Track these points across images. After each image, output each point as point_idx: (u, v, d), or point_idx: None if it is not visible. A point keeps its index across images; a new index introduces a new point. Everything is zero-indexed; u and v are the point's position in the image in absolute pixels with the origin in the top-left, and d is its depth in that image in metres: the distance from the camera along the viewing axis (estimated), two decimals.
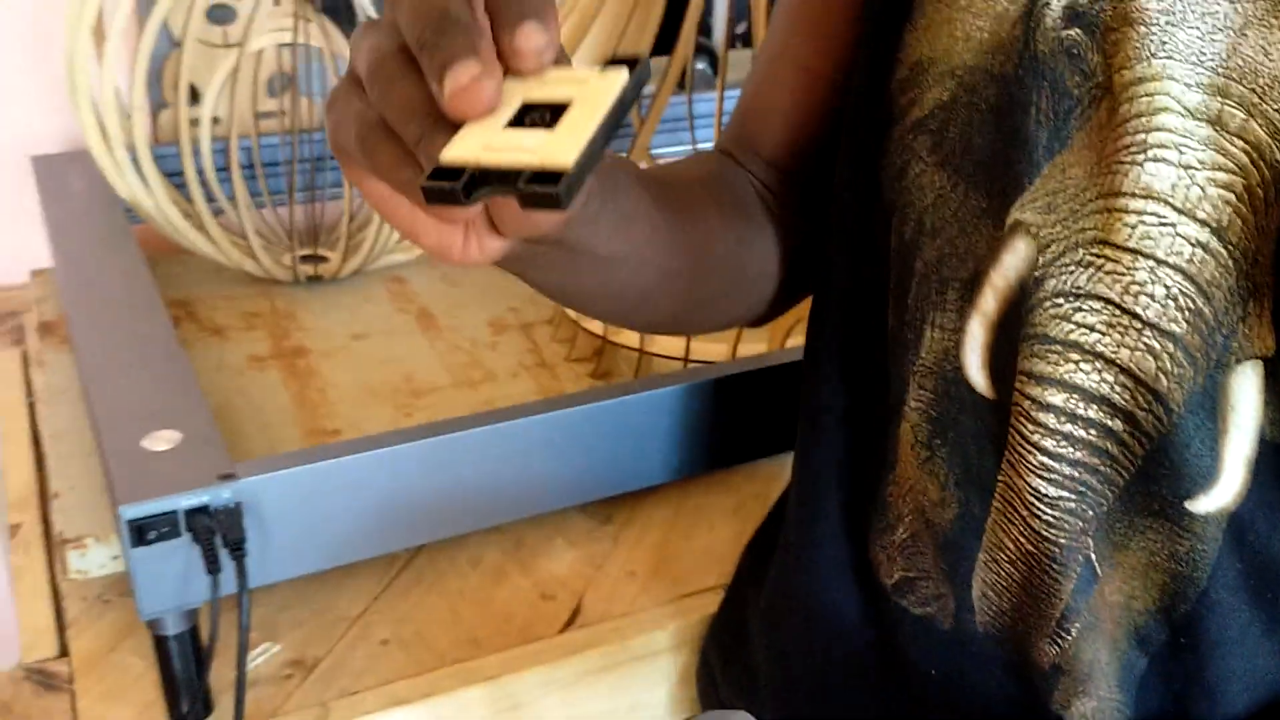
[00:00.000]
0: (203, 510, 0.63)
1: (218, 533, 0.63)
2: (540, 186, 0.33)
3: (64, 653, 0.75)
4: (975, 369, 0.51)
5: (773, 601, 0.68)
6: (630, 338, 0.92)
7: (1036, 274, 0.48)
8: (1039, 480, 0.50)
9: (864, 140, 0.56)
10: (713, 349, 0.91)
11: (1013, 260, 0.49)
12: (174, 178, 1.07)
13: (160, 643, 0.67)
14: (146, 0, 1.01)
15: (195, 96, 1.14)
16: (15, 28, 1.10)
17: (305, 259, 1.08)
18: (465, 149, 0.34)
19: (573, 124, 0.34)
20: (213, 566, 0.63)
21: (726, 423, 0.82)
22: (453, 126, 0.36)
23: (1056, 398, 0.48)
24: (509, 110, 0.36)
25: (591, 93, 0.36)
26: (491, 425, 0.72)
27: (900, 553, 0.57)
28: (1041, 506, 0.50)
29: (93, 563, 0.74)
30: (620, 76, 0.36)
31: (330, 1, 1.10)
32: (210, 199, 1.02)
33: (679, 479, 0.84)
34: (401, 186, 0.38)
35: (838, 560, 0.61)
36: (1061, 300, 0.48)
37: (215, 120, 1.14)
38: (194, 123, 1.07)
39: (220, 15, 1.19)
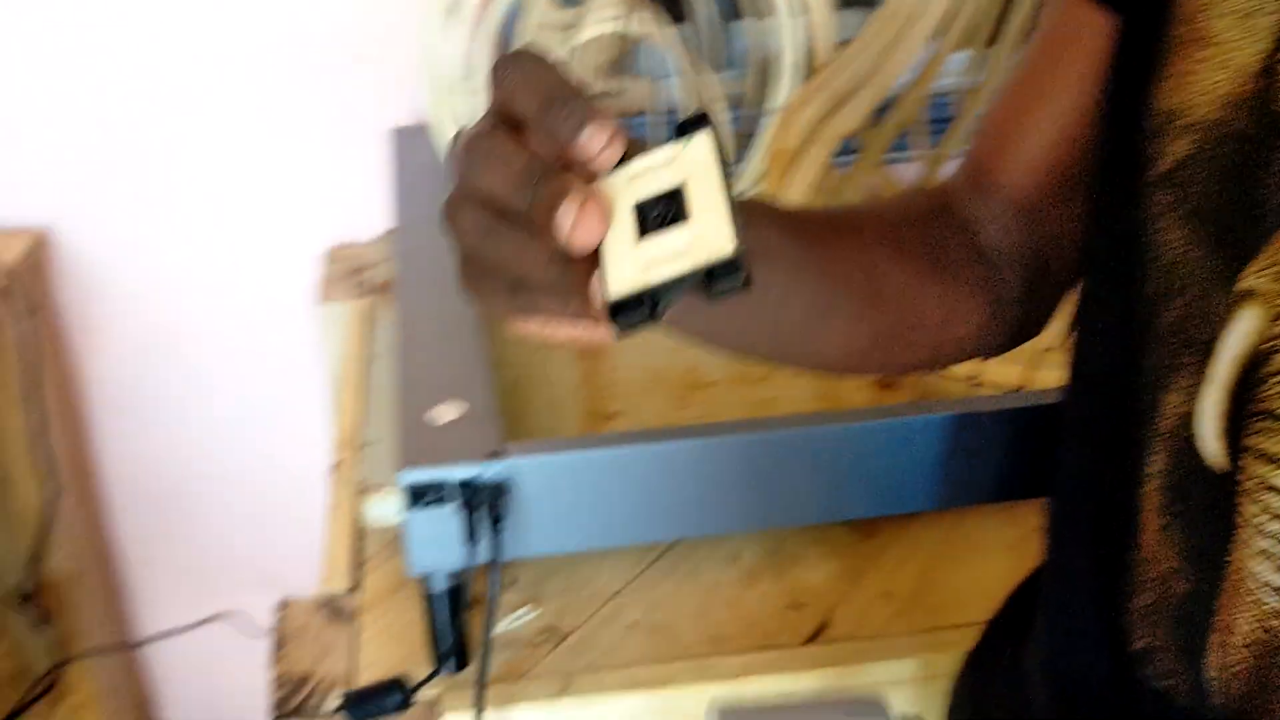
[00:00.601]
0: (471, 483, 0.68)
1: (482, 505, 0.68)
2: (724, 281, 0.35)
3: (355, 588, 0.83)
4: (1209, 439, 0.48)
5: (1024, 657, 0.65)
6: None
7: (1264, 346, 0.44)
8: (1264, 565, 0.46)
9: (1110, 190, 0.53)
10: (1006, 371, 0.87)
11: (1243, 329, 0.45)
12: None
13: (427, 597, 0.73)
14: None
15: None
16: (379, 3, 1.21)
17: None
18: (626, 278, 0.36)
19: (702, 205, 0.36)
20: (472, 537, 0.68)
21: (1012, 454, 0.79)
22: (587, 261, 0.38)
23: None
24: (626, 218, 0.37)
25: (691, 166, 0.37)
26: (758, 434, 0.73)
27: (1142, 621, 0.54)
28: (1267, 594, 0.46)
29: (386, 512, 0.81)
30: (706, 140, 0.37)
31: None
32: None
33: (954, 508, 0.81)
34: (568, 320, 0.40)
35: (1088, 622, 0.59)
36: None
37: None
38: None
39: None
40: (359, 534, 0.87)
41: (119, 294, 1.32)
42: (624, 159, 0.39)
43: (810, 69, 1.10)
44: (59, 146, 1.25)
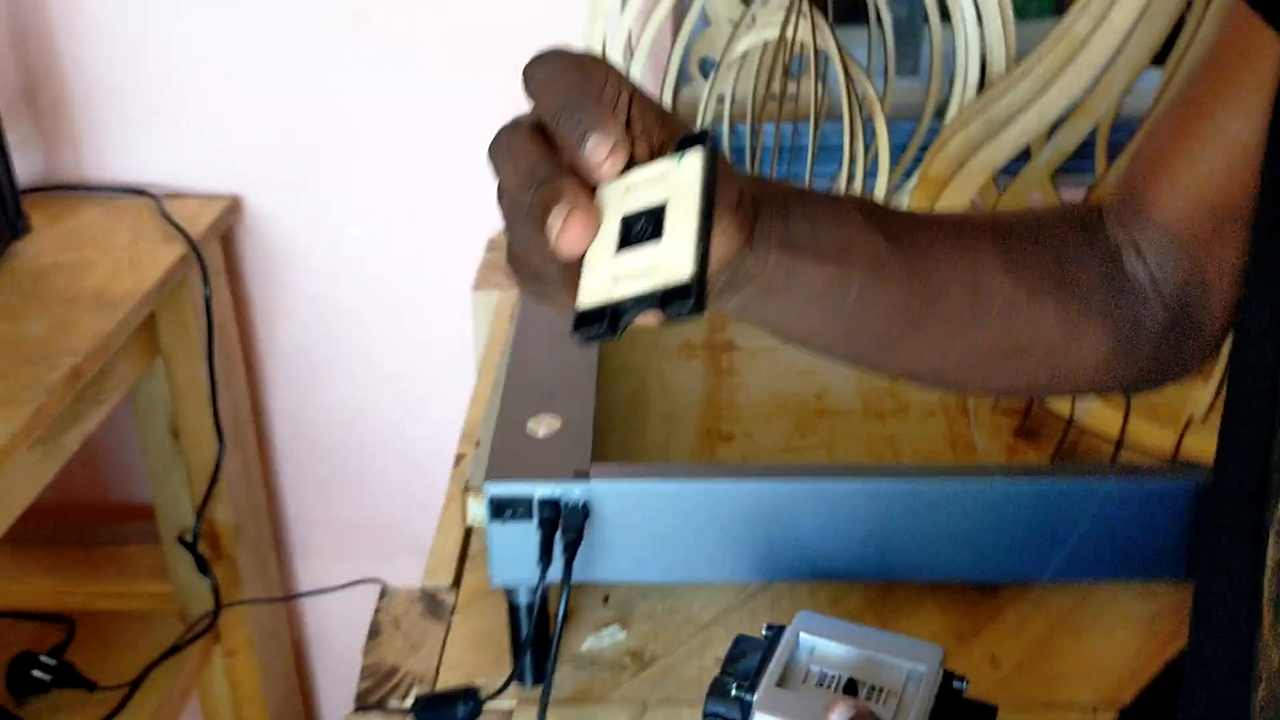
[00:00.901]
0: (553, 503, 0.67)
1: (559, 527, 0.67)
2: (676, 305, 0.36)
3: (456, 583, 0.84)
4: None
5: None
6: (1062, 405, 0.83)
7: None
8: None
9: (1270, 232, 0.47)
10: (1157, 434, 0.80)
11: None
12: None
13: (511, 608, 0.73)
14: None
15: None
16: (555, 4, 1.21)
17: None
18: (595, 289, 0.38)
19: (675, 227, 0.37)
20: (545, 557, 0.67)
21: (1156, 531, 0.72)
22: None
23: None
24: (614, 228, 0.39)
25: (678, 186, 0.38)
26: (864, 482, 0.70)
27: (1260, 714, 0.49)
28: None
29: (481, 516, 0.82)
30: (697, 162, 0.39)
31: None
32: None
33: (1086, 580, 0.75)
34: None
35: (1220, 715, 0.54)
36: None
37: (722, 99, 1.18)
38: (719, 100, 1.12)
39: None
40: (467, 530, 0.88)
41: (298, 263, 1.37)
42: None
43: (984, 82, 1.04)
44: (256, 121, 1.31)
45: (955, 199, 0.80)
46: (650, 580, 0.73)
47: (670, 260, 0.37)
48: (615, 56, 1.03)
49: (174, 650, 1.34)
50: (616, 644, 0.78)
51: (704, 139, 0.39)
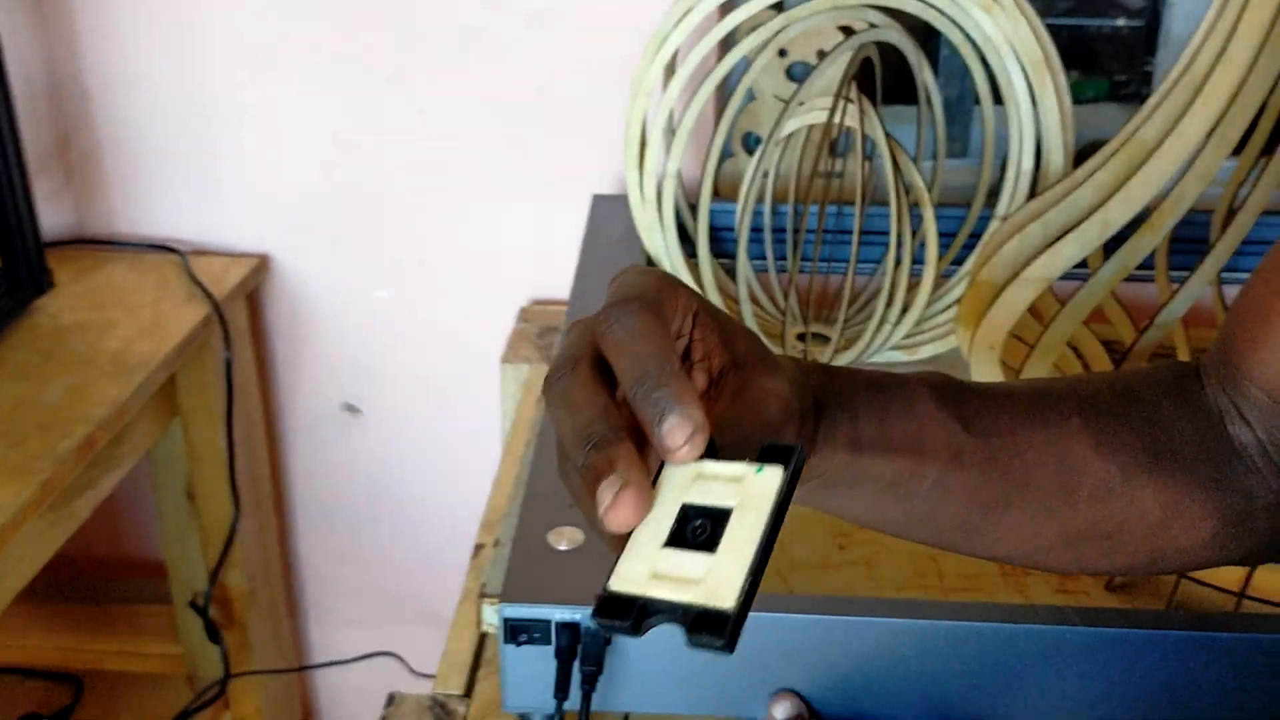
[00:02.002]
0: (572, 628, 0.63)
1: (578, 655, 0.63)
2: (706, 633, 0.33)
3: (468, 692, 0.80)
4: None
5: None
6: None
7: None
8: None
9: None
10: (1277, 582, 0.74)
11: None
12: (724, 232, 1.09)
13: None
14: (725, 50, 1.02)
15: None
16: (611, 64, 1.18)
17: (811, 336, 1.05)
18: (632, 577, 0.35)
19: (734, 544, 0.34)
20: (562, 689, 0.63)
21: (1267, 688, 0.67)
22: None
23: None
24: (670, 514, 0.36)
25: (750, 497, 0.36)
26: (889, 618, 0.65)
27: None
28: None
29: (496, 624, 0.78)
30: (776, 478, 0.36)
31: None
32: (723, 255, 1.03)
33: None
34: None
35: None
36: None
37: (766, 174, 1.15)
38: (763, 175, 1.09)
39: (800, 72, 1.19)
40: (481, 635, 0.84)
41: (325, 325, 1.35)
42: (710, 451, 0.38)
43: (1038, 169, 1.00)
44: (288, 181, 1.29)
45: (1009, 307, 0.76)
46: (676, 712, 0.68)
47: (717, 581, 0.34)
48: (656, 134, 1.00)
49: (181, 717, 1.30)
50: None
51: (790, 454, 0.37)
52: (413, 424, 1.38)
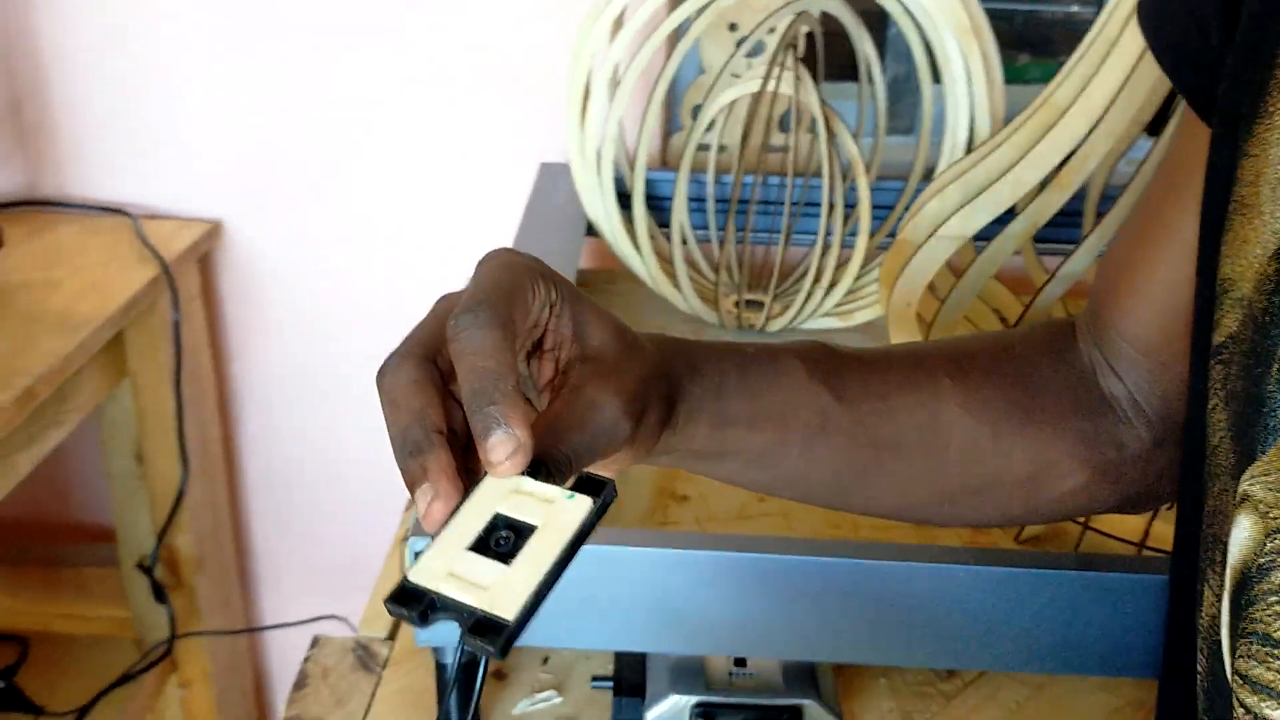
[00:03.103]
0: None
1: None
2: (481, 637, 0.35)
3: (392, 635, 0.81)
4: (1225, 650, 0.41)
5: None
6: None
7: (1261, 561, 0.38)
8: None
9: (1194, 350, 0.45)
10: (1127, 521, 0.77)
11: (1239, 538, 0.39)
12: (661, 202, 1.11)
13: (438, 666, 0.70)
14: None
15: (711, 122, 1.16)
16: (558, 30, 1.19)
17: (746, 304, 1.07)
18: (430, 572, 0.37)
19: (528, 560, 0.37)
20: None
21: (1116, 625, 0.69)
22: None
23: (1276, 713, 0.38)
24: (480, 520, 0.38)
25: (555, 521, 0.38)
26: (811, 557, 0.66)
27: None
28: None
29: None
30: (582, 509, 0.38)
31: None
32: (653, 230, 1.05)
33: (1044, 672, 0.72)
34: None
35: None
36: None
37: (721, 149, 1.16)
38: (703, 148, 1.10)
39: (756, 48, 1.20)
40: None
41: (277, 291, 1.36)
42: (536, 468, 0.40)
43: (972, 143, 1.02)
44: (240, 146, 1.29)
45: (924, 265, 0.78)
46: (592, 647, 0.70)
47: (503, 591, 0.36)
48: (600, 94, 1.01)
49: (127, 678, 1.31)
50: (551, 709, 0.75)
51: (600, 489, 0.39)
52: (365, 391, 1.38)
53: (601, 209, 1.03)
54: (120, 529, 1.34)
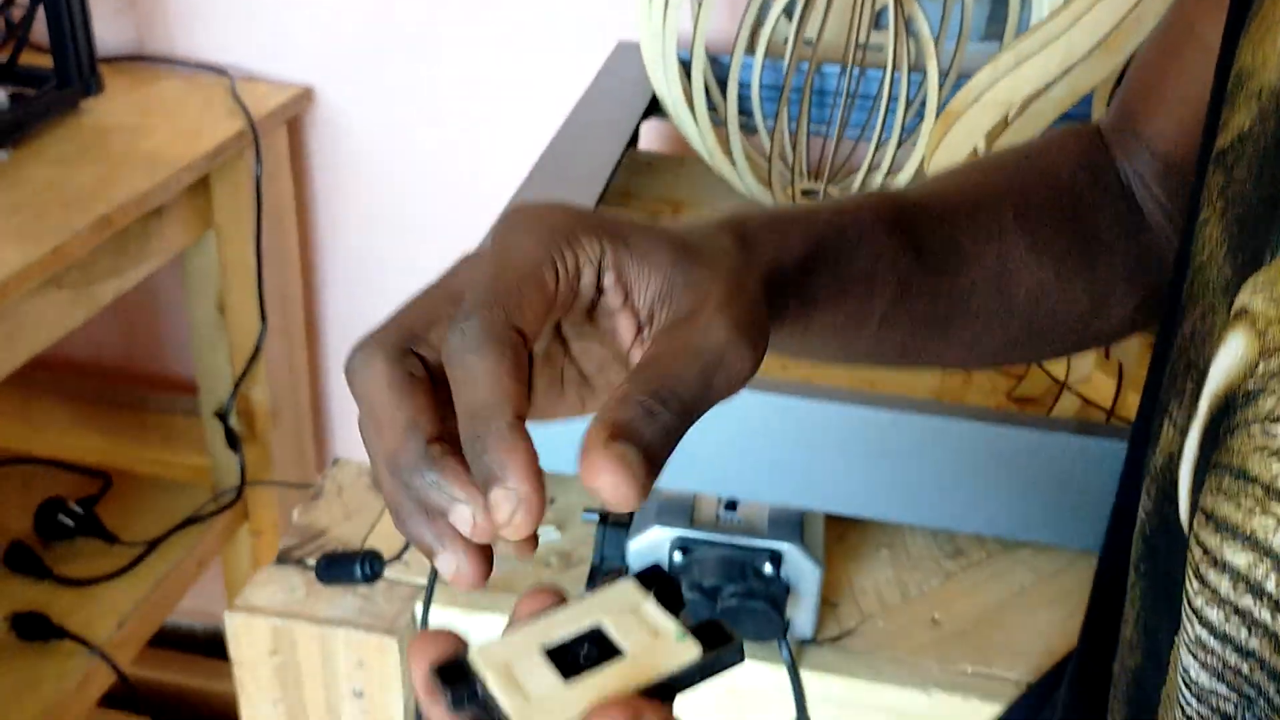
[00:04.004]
0: None
1: None
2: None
3: None
4: (1184, 489, 0.38)
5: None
6: (1058, 365, 0.78)
7: (1250, 385, 0.35)
8: (1192, 661, 0.36)
9: (1199, 160, 0.42)
10: (1100, 385, 0.74)
11: (1227, 359, 0.35)
12: (741, 89, 1.09)
13: None
14: None
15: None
16: None
17: (802, 194, 1.05)
18: (491, 656, 0.32)
19: (588, 690, 0.31)
20: None
21: (1080, 493, 0.67)
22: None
23: (1239, 557, 0.35)
24: (578, 625, 0.33)
25: (646, 658, 0.32)
26: (783, 397, 0.66)
27: (1113, 697, 0.45)
28: (1188, 696, 0.36)
29: None
30: (683, 657, 0.32)
31: None
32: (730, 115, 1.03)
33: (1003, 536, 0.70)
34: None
35: (1089, 693, 0.50)
36: (1275, 429, 0.33)
37: (809, 42, 1.14)
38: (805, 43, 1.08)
39: None
40: None
41: (365, 160, 1.39)
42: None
43: None
44: (337, 13, 1.32)
45: (966, 131, 0.75)
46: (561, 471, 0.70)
47: (542, 712, 0.31)
48: None
49: (194, 520, 1.38)
50: (548, 543, 0.77)
51: (721, 643, 0.33)
52: (443, 264, 1.41)
53: (663, 80, 1.02)
54: (201, 378, 1.40)
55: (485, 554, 0.34)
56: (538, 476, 0.32)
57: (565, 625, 0.33)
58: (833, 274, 0.45)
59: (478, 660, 0.32)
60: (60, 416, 1.51)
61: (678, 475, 0.69)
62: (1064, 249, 0.52)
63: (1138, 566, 0.42)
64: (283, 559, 0.75)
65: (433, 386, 0.35)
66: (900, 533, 0.78)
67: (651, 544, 0.68)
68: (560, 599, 0.34)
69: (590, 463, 0.32)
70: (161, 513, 1.39)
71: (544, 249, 0.36)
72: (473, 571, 0.34)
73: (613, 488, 0.31)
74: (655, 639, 0.32)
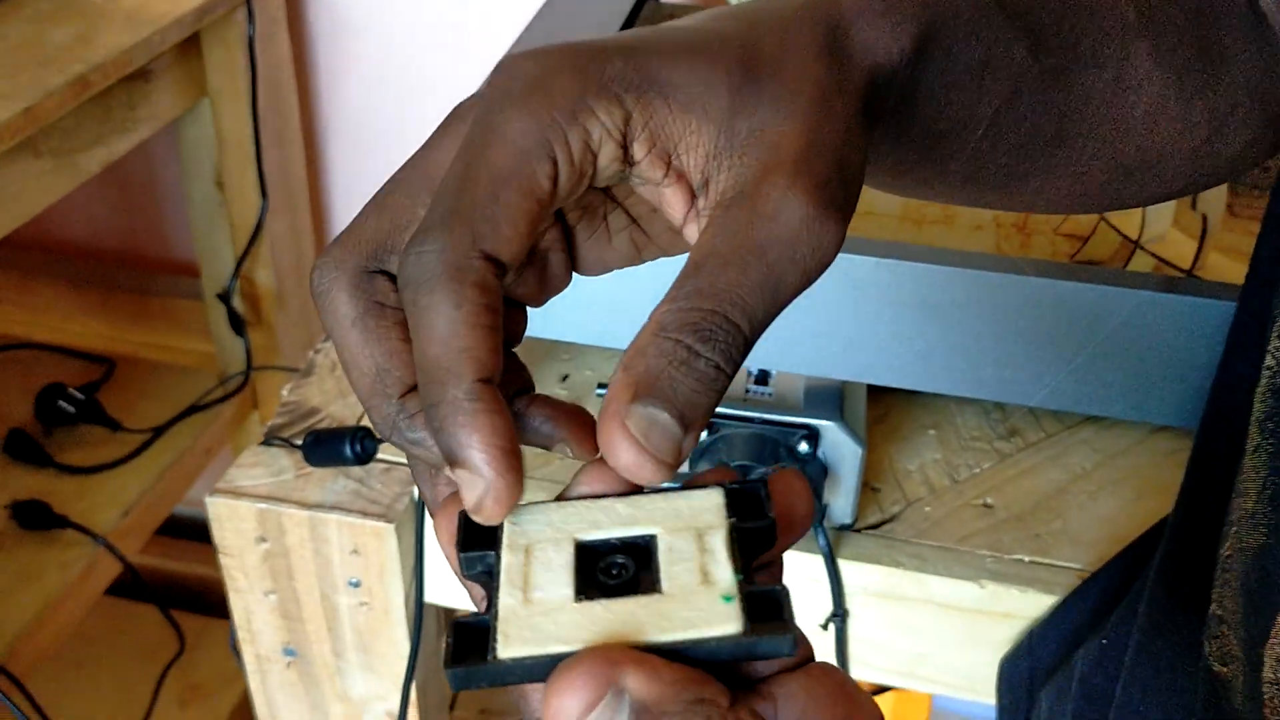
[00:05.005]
0: None
1: None
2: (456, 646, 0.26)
3: None
4: None
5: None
6: (1129, 223, 0.69)
7: None
8: None
9: None
10: (1178, 245, 0.66)
11: None
12: None
13: None
14: None
15: None
16: None
17: None
18: (521, 533, 0.27)
19: (597, 621, 0.25)
20: None
21: (1179, 361, 0.59)
22: None
23: None
24: (626, 525, 0.27)
25: (676, 606, 0.26)
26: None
27: (1220, 578, 0.40)
28: None
29: None
30: (717, 624, 0.25)
31: None
32: None
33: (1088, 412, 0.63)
34: None
35: (1185, 575, 0.44)
36: None
37: None
38: None
39: None
40: None
41: (369, 29, 1.29)
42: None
43: None
44: None
45: None
46: (602, 344, 0.63)
47: (527, 626, 0.25)
48: None
49: (200, 406, 1.32)
50: None
51: (773, 609, 0.26)
52: None
53: None
54: (202, 259, 1.33)
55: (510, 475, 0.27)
56: (506, 455, 0.26)
57: (616, 521, 0.27)
58: (943, 65, 0.35)
59: (507, 529, 0.28)
60: (61, 301, 1.45)
61: None
62: (1186, 61, 0.43)
63: (1263, 425, 0.35)
64: (270, 439, 0.68)
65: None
66: (948, 411, 0.71)
67: None
68: (630, 484, 0.28)
69: (608, 434, 0.25)
70: (166, 399, 1.34)
71: (536, 131, 0.28)
72: (493, 505, 0.27)
73: (636, 467, 0.26)
74: (701, 586, 0.26)
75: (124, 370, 1.37)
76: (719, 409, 0.60)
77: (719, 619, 0.25)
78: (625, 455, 0.25)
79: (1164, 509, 0.63)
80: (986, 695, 0.64)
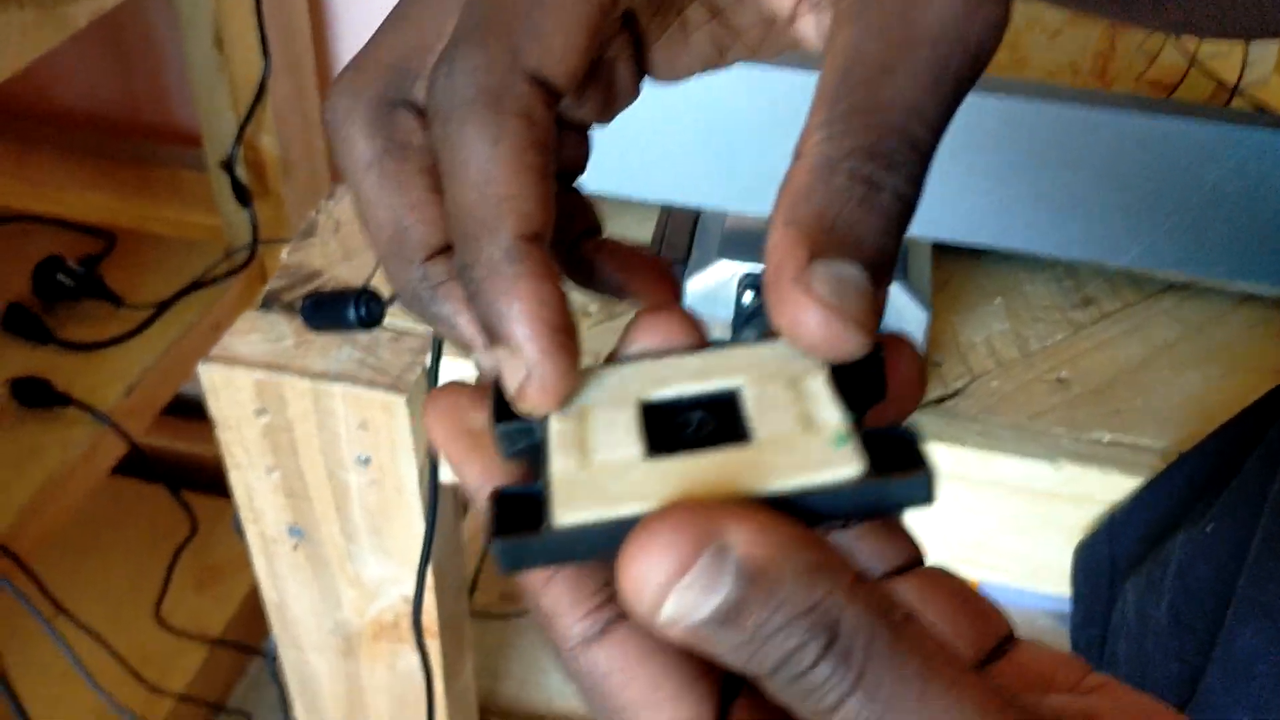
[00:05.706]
0: None
1: None
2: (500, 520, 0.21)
3: None
4: None
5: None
6: (1227, 66, 0.61)
7: None
8: None
9: None
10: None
11: None
12: None
13: None
14: None
15: None
16: None
17: None
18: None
19: (676, 474, 0.20)
20: None
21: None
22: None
23: None
24: (700, 379, 0.22)
25: (779, 453, 0.20)
26: None
27: None
28: None
29: None
30: (834, 469, 0.20)
31: None
32: None
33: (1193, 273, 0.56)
34: None
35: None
36: None
37: None
38: None
39: None
40: None
41: None
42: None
43: None
44: None
45: None
46: (634, 196, 0.56)
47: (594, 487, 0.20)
48: None
49: (205, 282, 1.26)
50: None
51: (910, 460, 0.20)
52: None
53: None
54: (204, 126, 1.25)
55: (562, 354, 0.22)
56: (555, 333, 0.21)
57: (687, 376, 0.22)
58: None
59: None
60: (58, 172, 1.38)
61: (740, 195, 0.55)
62: None
63: None
64: (268, 303, 0.62)
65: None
66: (1016, 278, 0.64)
67: (714, 280, 0.54)
68: (698, 336, 0.23)
69: (791, 306, 0.20)
70: (170, 274, 1.28)
71: None
72: (538, 393, 0.22)
73: (836, 339, 0.20)
74: (805, 433, 0.21)
75: (125, 243, 1.30)
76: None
77: (836, 463, 0.20)
78: (819, 328, 0.20)
79: (1256, 386, 0.57)
80: (1051, 585, 0.58)
